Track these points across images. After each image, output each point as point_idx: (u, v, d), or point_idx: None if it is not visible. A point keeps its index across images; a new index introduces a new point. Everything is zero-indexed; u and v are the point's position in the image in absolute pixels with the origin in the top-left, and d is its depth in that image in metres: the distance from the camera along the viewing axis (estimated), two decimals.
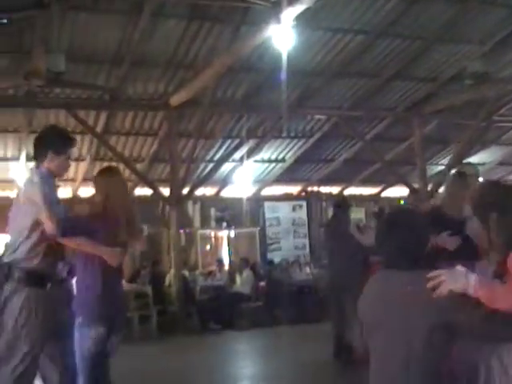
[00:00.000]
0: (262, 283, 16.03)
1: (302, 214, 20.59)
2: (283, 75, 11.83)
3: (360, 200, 20.44)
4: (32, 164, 15.00)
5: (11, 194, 17.47)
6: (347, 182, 20.65)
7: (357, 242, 9.82)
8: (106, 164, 17.33)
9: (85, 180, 17.76)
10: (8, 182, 17.09)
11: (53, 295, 4.78)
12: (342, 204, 10.93)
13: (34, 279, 4.76)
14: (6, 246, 5.11)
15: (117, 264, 4.98)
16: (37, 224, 4.76)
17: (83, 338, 4.94)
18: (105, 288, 5.00)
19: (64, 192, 18.08)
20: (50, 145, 4.99)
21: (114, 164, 17.16)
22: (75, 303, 4.99)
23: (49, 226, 4.66)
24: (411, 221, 3.57)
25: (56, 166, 4.96)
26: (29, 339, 4.70)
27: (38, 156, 5.06)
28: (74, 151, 16.91)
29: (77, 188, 18.01)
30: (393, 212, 4.26)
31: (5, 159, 16.41)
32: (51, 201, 4.73)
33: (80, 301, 5.01)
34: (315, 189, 20.74)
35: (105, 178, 5.23)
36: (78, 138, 16.03)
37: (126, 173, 17.62)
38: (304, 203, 20.67)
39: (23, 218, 4.83)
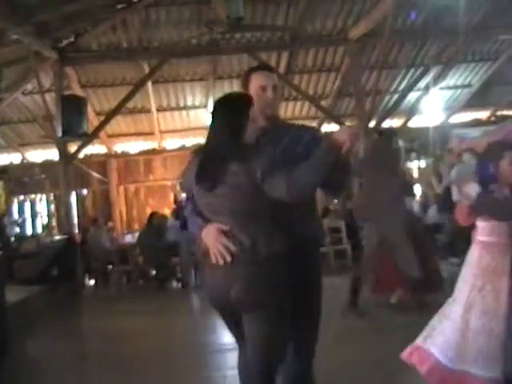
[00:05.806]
0: None
1: None
2: None
3: None
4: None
5: (202, 140, 18.11)
6: None
7: None
8: (291, 104, 17.61)
9: None
10: (198, 129, 17.74)
11: None
12: None
13: None
14: None
15: None
16: None
17: None
18: None
19: None
20: None
21: (299, 102, 17.43)
22: None
23: None
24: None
25: None
26: None
27: None
28: None
29: None
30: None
31: (194, 107, 17.00)
32: None
33: None
34: (505, 113, 20.01)
35: None
36: None
37: (312, 110, 17.81)
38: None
39: None
